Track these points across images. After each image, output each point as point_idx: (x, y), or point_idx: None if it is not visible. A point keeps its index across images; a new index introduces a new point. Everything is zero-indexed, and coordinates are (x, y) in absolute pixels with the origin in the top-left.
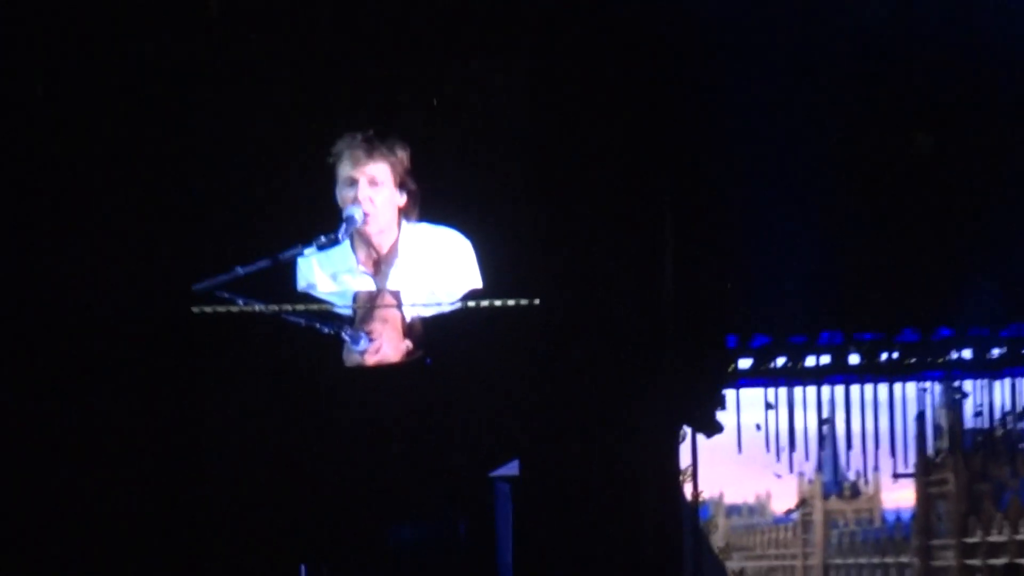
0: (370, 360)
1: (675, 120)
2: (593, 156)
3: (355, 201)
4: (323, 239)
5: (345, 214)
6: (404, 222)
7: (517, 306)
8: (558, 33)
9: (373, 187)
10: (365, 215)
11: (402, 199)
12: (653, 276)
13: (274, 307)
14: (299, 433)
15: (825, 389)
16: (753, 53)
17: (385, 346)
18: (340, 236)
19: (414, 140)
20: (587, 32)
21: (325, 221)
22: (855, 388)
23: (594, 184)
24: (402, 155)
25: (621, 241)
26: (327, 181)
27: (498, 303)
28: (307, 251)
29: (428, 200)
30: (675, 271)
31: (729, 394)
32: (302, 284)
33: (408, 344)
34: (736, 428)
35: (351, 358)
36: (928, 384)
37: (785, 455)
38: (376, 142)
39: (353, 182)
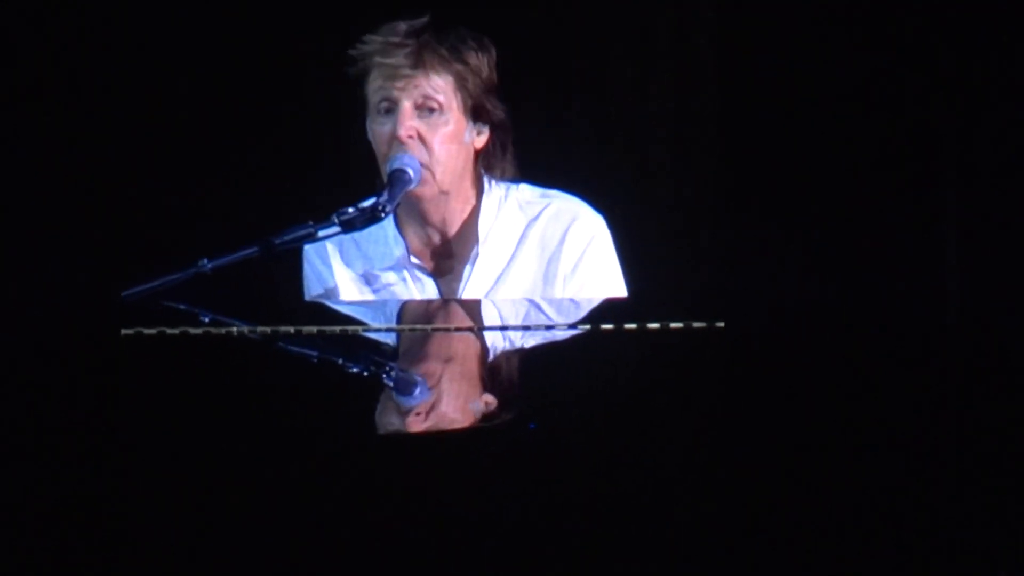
0: (421, 423)
1: None
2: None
3: (398, 142)
4: (350, 213)
5: (389, 167)
6: (488, 181)
7: (690, 329)
8: None
9: (425, 115)
10: (421, 168)
11: (481, 138)
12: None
13: (265, 329)
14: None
15: None
16: None
17: (446, 399)
18: (380, 206)
19: (503, 36)
20: None
21: (352, 181)
22: None
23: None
24: (479, 61)
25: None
26: (351, 110)
27: (654, 325)
28: (322, 233)
29: (529, 144)
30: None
31: None
32: (315, 290)
33: (488, 398)
34: None
35: (388, 420)
36: None
37: None
38: (430, 38)
39: (390, 107)
